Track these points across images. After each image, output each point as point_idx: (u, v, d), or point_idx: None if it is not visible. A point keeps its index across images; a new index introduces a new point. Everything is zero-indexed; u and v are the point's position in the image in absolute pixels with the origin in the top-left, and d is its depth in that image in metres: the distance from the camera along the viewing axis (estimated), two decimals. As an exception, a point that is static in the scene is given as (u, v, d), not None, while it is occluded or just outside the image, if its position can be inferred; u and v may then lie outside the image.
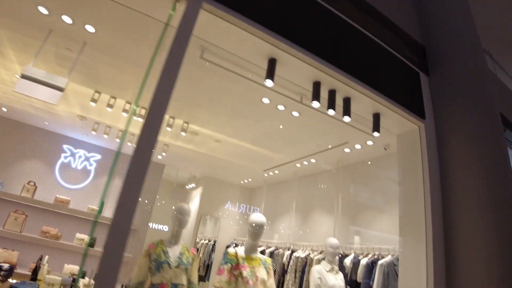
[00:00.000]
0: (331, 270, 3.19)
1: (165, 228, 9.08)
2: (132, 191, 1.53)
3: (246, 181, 7.55)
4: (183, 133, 4.82)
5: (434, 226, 3.01)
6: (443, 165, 3.42)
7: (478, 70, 3.58)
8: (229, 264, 2.54)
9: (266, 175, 6.54)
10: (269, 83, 2.30)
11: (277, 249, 5.29)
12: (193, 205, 8.08)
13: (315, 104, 2.49)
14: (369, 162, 4.59)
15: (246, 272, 2.50)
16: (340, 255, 4.04)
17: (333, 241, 3.29)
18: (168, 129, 4.67)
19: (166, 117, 4.63)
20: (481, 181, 3.12)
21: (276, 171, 6.19)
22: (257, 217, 2.70)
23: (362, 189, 4.72)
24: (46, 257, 4.24)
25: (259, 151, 5.40)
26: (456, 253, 3.00)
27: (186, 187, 8.71)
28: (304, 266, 4.42)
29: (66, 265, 4.92)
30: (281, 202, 6.52)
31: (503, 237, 2.91)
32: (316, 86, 2.58)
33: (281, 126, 4.17)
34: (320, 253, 4.40)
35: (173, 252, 2.68)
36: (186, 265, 2.67)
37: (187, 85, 3.59)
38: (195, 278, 2.75)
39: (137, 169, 1.55)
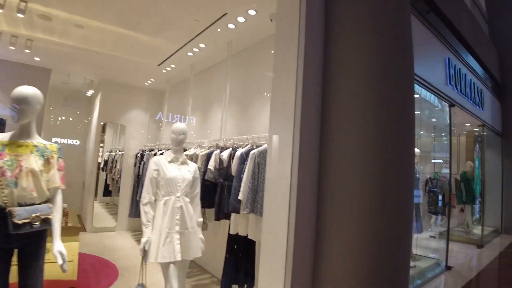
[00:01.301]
0: (174, 160, 2.63)
1: (76, 142, 8.19)
2: None
3: (149, 82, 6.61)
4: (19, 15, 3.67)
5: (305, 105, 2.47)
6: (329, 33, 2.76)
7: None
8: None
9: (164, 71, 5.65)
10: None
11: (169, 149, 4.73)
12: (95, 113, 7.12)
13: None
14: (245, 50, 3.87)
15: (3, 161, 1.84)
16: (221, 149, 3.55)
17: (177, 126, 2.69)
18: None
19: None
20: (372, 54, 2.55)
21: (173, 65, 5.32)
22: (17, 90, 1.96)
23: (252, 76, 4.08)
24: None
25: (137, 38, 4.44)
26: (332, 137, 2.56)
27: (87, 94, 7.59)
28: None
29: None
30: (182, 102, 5.78)
31: (387, 123, 2.49)
32: None
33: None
34: (209, 148, 3.89)
35: None
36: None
37: None
38: None
39: None
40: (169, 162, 2.59)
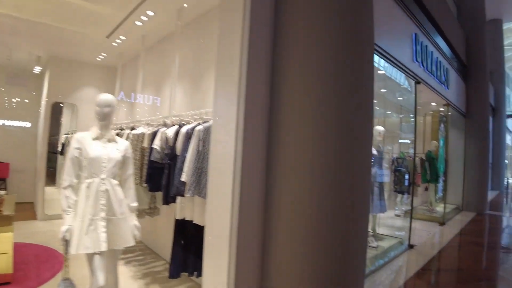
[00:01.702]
0: (100, 137, 2.29)
1: (27, 124, 7.56)
2: None
3: (101, 57, 6.08)
4: None
5: (252, 78, 2.18)
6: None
7: None
8: None
9: (115, 44, 5.17)
10: None
11: (122, 129, 4.35)
12: (44, 92, 6.53)
13: None
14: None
15: None
16: (168, 126, 3.23)
17: (102, 97, 2.35)
18: None
19: None
20: (327, 21, 2.26)
21: (122, 37, 4.85)
22: None
23: (205, 47, 3.72)
24: None
25: (79, 6, 3.98)
26: (283, 114, 2.28)
27: (33, 71, 6.95)
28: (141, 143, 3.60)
29: None
30: (136, 79, 5.31)
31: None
32: None
33: None
34: (157, 127, 3.55)
35: None
36: None
37: None
38: None
39: None
40: (94, 139, 2.24)
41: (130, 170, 2.38)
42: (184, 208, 2.78)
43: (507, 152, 16.91)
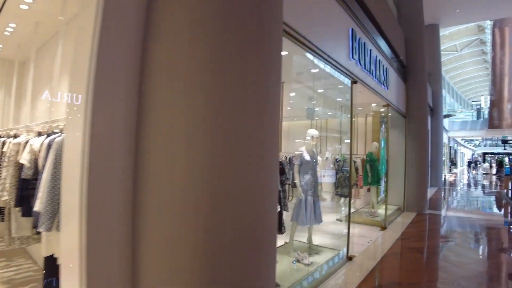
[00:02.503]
0: None
1: None
2: None
3: (-2, 48, 5.11)
4: None
5: (104, 67, 1.62)
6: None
7: None
8: None
9: (7, 33, 4.29)
10: None
11: (9, 137, 3.53)
12: None
13: None
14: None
15: None
16: (38, 135, 2.55)
17: None
18: None
19: None
20: None
21: (12, 24, 4.01)
22: None
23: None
24: None
25: None
26: (153, 113, 1.72)
27: None
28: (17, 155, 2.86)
29: None
30: (36, 75, 4.45)
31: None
32: None
33: None
34: (39, 134, 2.83)
35: None
36: None
37: None
38: None
39: None
40: None
41: None
42: (51, 241, 2.13)
43: (443, 149, 17.84)
